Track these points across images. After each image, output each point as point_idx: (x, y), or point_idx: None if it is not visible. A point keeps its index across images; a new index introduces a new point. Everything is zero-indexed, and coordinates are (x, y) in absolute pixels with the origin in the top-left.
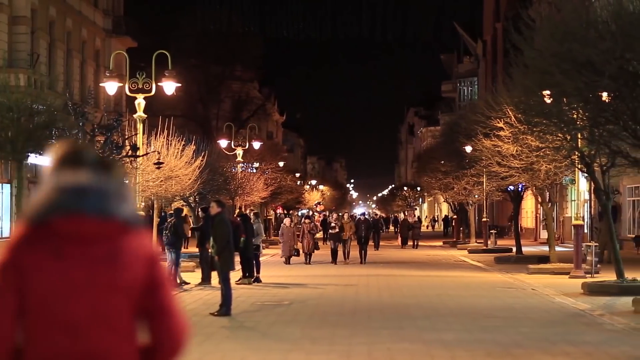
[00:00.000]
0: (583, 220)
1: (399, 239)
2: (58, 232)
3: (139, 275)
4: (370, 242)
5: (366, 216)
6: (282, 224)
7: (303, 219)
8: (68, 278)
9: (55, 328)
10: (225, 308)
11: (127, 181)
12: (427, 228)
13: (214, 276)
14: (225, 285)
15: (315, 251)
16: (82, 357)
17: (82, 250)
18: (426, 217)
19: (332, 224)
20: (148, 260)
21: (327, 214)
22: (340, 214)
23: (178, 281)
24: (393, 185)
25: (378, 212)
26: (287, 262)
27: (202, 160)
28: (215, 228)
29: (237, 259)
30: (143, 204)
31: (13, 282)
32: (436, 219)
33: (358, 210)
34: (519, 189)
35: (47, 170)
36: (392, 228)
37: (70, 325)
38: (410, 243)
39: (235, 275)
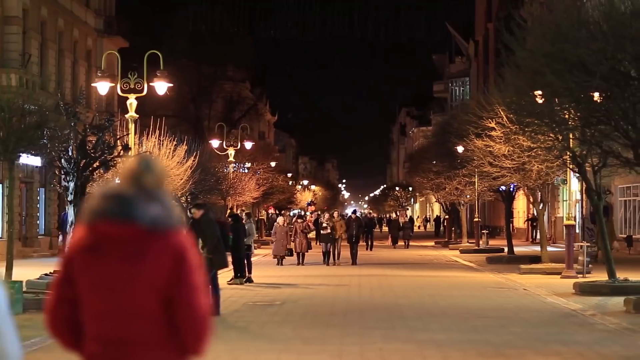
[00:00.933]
0: (575, 220)
1: (390, 238)
2: (97, 233)
3: (164, 270)
4: (362, 243)
5: (357, 215)
6: (275, 223)
7: (295, 219)
8: (102, 273)
9: (98, 314)
10: (215, 308)
11: (163, 189)
12: (419, 228)
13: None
14: (211, 285)
15: (309, 251)
16: (119, 342)
17: (113, 249)
18: (418, 217)
19: (324, 225)
20: (174, 257)
21: (319, 213)
22: (330, 213)
23: None
24: (385, 186)
25: (371, 212)
26: (280, 262)
27: (194, 161)
28: (204, 229)
29: (229, 258)
30: None
31: (68, 275)
32: (428, 219)
33: (350, 210)
34: (511, 189)
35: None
36: (385, 228)
37: (107, 313)
38: (401, 243)
39: (228, 275)
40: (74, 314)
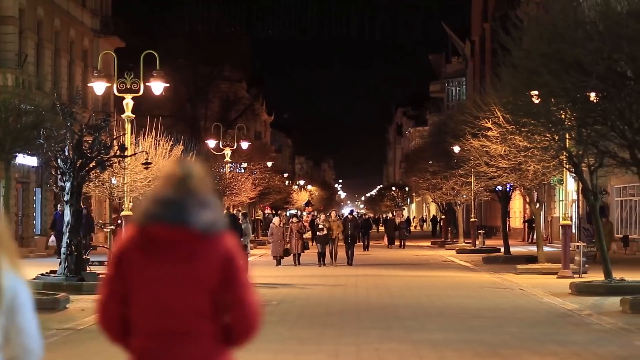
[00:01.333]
0: (571, 220)
1: (385, 238)
2: (150, 236)
3: (214, 272)
4: (359, 243)
5: (354, 215)
6: (271, 224)
7: (291, 219)
8: (155, 272)
9: (149, 310)
10: None
11: (212, 195)
12: (416, 228)
13: None
14: None
15: (305, 252)
16: (170, 334)
17: (166, 251)
18: (414, 217)
19: (320, 226)
20: (223, 260)
21: (315, 214)
22: (327, 213)
23: None
24: (381, 186)
25: (366, 212)
26: (278, 263)
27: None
28: None
29: None
30: (132, 204)
31: (119, 273)
32: (424, 219)
33: (346, 210)
34: (507, 189)
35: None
36: (382, 228)
37: (160, 309)
38: (397, 243)
39: None
40: (123, 309)
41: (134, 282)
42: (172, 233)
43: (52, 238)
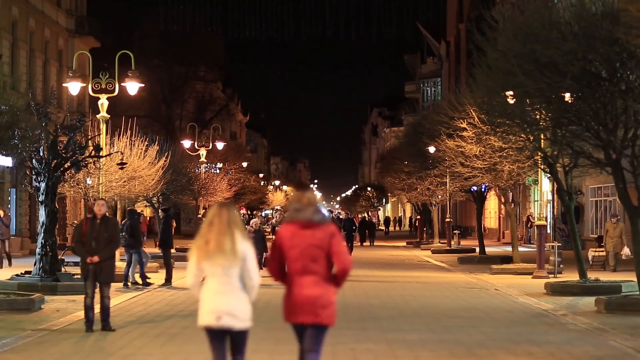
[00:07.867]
0: (546, 220)
1: (357, 237)
2: (296, 224)
3: (327, 240)
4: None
5: (333, 215)
6: (247, 226)
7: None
8: (297, 241)
9: (294, 260)
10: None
11: (321, 205)
12: (394, 228)
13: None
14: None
15: None
16: (304, 272)
17: (303, 231)
18: (394, 217)
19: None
20: (331, 235)
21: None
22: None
23: (131, 281)
24: (356, 186)
25: (348, 213)
26: (260, 267)
27: (165, 161)
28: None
29: None
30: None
31: (279, 243)
32: (401, 219)
33: (324, 211)
34: (482, 190)
35: (291, 202)
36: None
37: (299, 259)
38: (366, 243)
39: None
40: (280, 262)
41: (286, 247)
42: (306, 223)
43: None
